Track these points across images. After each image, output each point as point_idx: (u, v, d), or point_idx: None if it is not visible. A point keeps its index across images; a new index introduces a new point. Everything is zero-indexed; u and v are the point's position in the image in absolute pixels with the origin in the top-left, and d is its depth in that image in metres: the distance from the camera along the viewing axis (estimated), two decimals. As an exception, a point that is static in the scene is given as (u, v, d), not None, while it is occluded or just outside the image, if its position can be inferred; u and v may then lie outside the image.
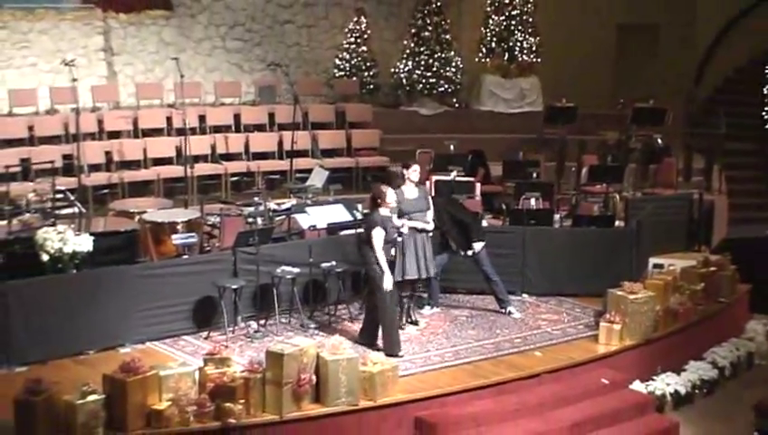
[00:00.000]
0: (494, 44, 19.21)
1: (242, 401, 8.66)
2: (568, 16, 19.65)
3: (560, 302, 12.31)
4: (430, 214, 11.14)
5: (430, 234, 11.09)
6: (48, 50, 15.94)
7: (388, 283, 10.14)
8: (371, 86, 18.65)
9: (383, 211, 10.34)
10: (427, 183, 11.90)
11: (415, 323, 11.24)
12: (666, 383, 10.85)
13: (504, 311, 11.74)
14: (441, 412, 9.45)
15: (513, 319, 11.62)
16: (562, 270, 12.49)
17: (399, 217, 10.75)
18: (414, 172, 11.19)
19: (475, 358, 10.41)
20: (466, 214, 11.90)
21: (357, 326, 11.15)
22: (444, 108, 18.99)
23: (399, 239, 10.67)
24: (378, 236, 10.16)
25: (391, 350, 10.17)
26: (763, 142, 19.06)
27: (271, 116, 17.12)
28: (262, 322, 11.11)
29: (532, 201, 13.82)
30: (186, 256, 11.34)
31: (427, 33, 18.80)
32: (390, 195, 10.38)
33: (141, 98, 16.60)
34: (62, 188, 12.32)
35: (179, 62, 15.53)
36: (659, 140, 16.84)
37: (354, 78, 18.42)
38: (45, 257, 10.31)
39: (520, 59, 19.28)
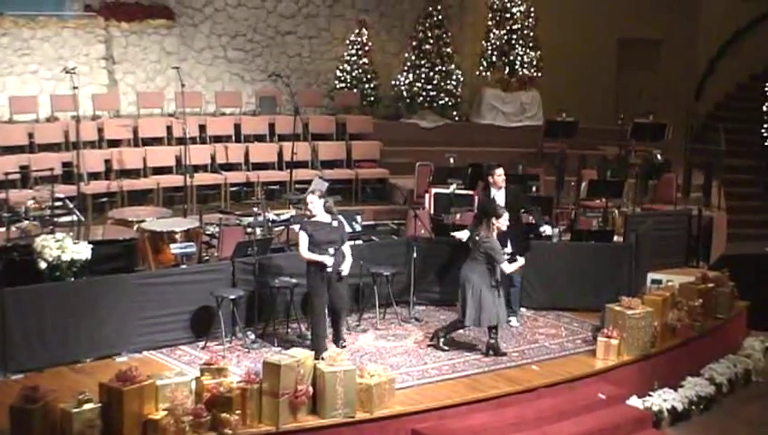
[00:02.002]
0: (494, 58, 19.27)
1: (238, 411, 8.64)
2: (569, 31, 19.69)
3: (558, 316, 12.30)
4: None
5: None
6: (49, 57, 15.95)
7: (329, 260, 10.12)
8: (372, 98, 18.68)
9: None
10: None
11: (503, 354, 10.91)
12: (663, 399, 10.83)
13: (507, 320, 11.79)
14: (439, 425, 9.42)
15: (511, 332, 11.62)
16: (561, 284, 12.49)
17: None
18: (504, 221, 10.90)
19: (472, 371, 10.40)
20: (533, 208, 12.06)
21: (354, 337, 11.19)
22: (444, 121, 19.02)
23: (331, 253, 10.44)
24: (301, 238, 10.19)
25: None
26: (763, 159, 19.10)
27: (271, 126, 17.14)
28: (259, 332, 11.11)
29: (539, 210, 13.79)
30: (184, 266, 11.33)
31: (428, 46, 18.84)
32: (317, 205, 10.29)
33: (142, 107, 16.61)
34: (62, 195, 12.30)
35: (180, 71, 15.56)
36: (659, 156, 16.85)
37: (355, 90, 18.45)
38: (43, 265, 10.30)
39: (520, 73, 19.33)
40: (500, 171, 11.75)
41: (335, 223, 10.32)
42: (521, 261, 10.86)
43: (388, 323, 11.83)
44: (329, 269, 10.20)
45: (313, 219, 10.30)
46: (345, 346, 10.47)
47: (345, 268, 10.41)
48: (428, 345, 11.05)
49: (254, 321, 11.20)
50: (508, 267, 10.67)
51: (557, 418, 9.93)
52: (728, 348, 12.50)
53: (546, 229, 11.84)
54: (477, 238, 10.71)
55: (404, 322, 11.89)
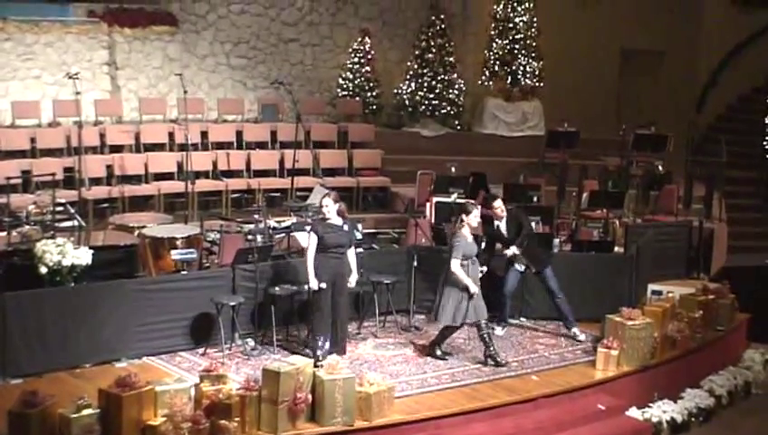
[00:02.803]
0: (497, 68, 19.29)
1: (237, 418, 8.62)
2: (571, 41, 19.71)
3: (558, 326, 12.27)
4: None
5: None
6: (52, 63, 15.96)
7: (313, 283, 10.24)
8: (374, 106, 18.69)
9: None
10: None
11: (503, 364, 10.84)
12: (662, 411, 10.82)
13: (569, 331, 11.85)
14: (437, 434, 9.41)
15: (510, 342, 11.62)
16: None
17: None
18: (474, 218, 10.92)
19: (471, 381, 10.39)
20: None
21: (354, 345, 11.17)
22: (446, 130, 19.03)
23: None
24: (311, 240, 10.30)
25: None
26: (764, 171, 19.11)
27: (273, 134, 17.16)
28: (259, 339, 11.10)
29: (532, 225, 13.81)
30: (184, 272, 11.34)
31: (430, 55, 18.86)
32: (331, 208, 10.38)
33: (144, 113, 16.63)
34: (63, 200, 12.33)
35: (183, 77, 15.58)
36: (660, 167, 16.85)
37: (357, 98, 18.45)
38: (44, 270, 10.30)
39: (523, 83, 19.36)
40: (498, 203, 11.78)
41: (346, 227, 10.47)
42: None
43: (388, 331, 11.82)
44: (308, 286, 10.42)
45: (327, 221, 10.42)
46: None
47: (352, 280, 10.52)
48: (427, 355, 11.05)
49: (254, 328, 11.20)
50: (455, 266, 10.59)
51: (556, 428, 9.91)
52: (728, 360, 12.49)
53: (508, 251, 11.70)
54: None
55: (404, 330, 11.89)
